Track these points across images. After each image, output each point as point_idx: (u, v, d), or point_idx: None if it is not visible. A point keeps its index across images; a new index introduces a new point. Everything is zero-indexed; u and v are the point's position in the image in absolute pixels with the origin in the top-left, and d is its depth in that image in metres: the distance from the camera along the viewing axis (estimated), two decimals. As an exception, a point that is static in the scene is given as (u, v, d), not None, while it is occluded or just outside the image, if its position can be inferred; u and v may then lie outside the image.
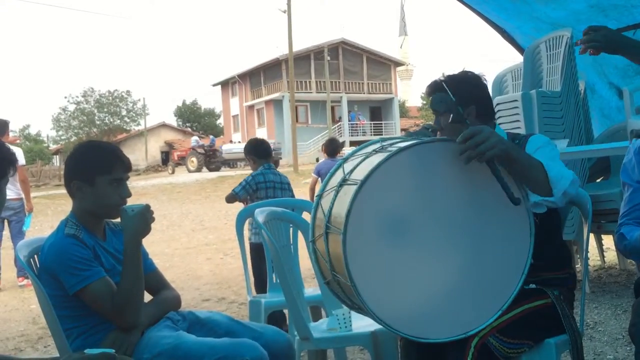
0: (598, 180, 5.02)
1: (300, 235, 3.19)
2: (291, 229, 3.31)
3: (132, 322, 2.00)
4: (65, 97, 62.79)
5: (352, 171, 1.75)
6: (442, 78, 2.01)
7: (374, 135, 34.46)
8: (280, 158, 28.93)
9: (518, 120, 4.31)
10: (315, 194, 1.99)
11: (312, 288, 3.57)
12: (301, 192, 11.61)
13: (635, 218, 1.95)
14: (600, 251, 5.32)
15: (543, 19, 5.28)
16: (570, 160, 4.19)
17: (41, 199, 18.51)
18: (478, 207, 1.74)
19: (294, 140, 26.69)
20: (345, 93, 37.35)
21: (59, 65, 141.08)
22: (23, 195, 6.49)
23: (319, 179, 7.36)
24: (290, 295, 2.40)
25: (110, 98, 45.18)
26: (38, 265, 2.09)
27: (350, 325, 2.38)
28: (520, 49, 5.85)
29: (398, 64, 42.50)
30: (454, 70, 2.06)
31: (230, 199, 4.45)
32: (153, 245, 8.90)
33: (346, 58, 37.94)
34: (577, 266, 4.60)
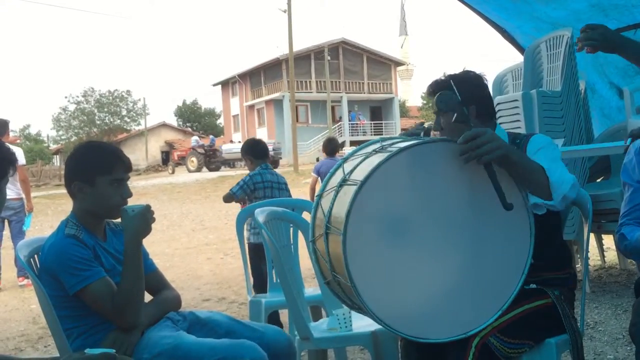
0: (598, 180, 5.02)
1: (300, 235, 3.19)
2: (291, 228, 3.31)
3: (133, 322, 2.00)
4: (66, 97, 62.97)
5: (352, 171, 1.75)
6: (444, 77, 2.01)
7: (375, 135, 34.45)
8: (281, 158, 28.94)
9: (518, 120, 4.30)
10: (316, 193, 1.99)
11: (312, 288, 3.58)
12: (302, 192, 11.61)
13: (635, 218, 1.95)
14: (601, 251, 5.32)
15: (543, 19, 5.28)
16: (571, 160, 4.19)
17: (41, 198, 18.52)
18: (478, 207, 1.74)
19: (294, 140, 26.69)
20: (346, 93, 37.35)
21: (59, 65, 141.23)
22: (23, 195, 6.49)
23: (319, 178, 7.37)
24: (291, 295, 2.40)
25: (111, 98, 45.20)
26: (38, 265, 2.09)
27: (351, 325, 2.38)
28: (521, 49, 5.85)
29: (398, 63, 42.49)
30: (455, 70, 2.06)
31: (228, 198, 4.46)
32: (153, 245, 8.91)
33: (346, 58, 37.94)
34: (577, 266, 4.60)
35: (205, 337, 2.09)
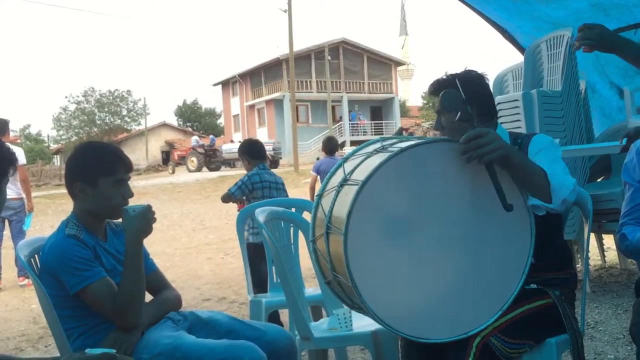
0: (599, 180, 5.02)
1: (300, 234, 3.20)
2: (292, 228, 3.31)
3: (133, 323, 2.00)
4: (66, 97, 62.98)
5: (352, 171, 1.75)
6: (446, 76, 2.01)
7: (375, 134, 34.46)
8: (281, 158, 28.94)
9: (519, 120, 4.30)
10: (316, 193, 1.99)
11: (312, 288, 3.58)
12: (302, 192, 11.61)
13: (636, 218, 1.95)
14: (601, 251, 5.32)
15: (544, 19, 5.28)
16: (571, 160, 4.19)
17: (42, 198, 18.52)
18: (479, 207, 1.74)
19: (295, 140, 26.69)
20: (346, 93, 37.36)
21: (59, 65, 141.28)
22: (24, 195, 6.49)
23: (318, 177, 7.38)
24: (291, 294, 2.40)
25: (111, 98, 45.19)
26: (39, 265, 2.09)
27: (351, 325, 2.38)
28: (521, 49, 5.84)
29: (399, 63, 42.49)
30: (456, 69, 2.06)
31: (226, 198, 4.47)
32: (154, 244, 8.91)
33: (347, 58, 37.94)
34: (577, 266, 4.60)
35: (206, 337, 2.09)
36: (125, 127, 45.82)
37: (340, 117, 36.87)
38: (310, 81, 36.66)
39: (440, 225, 1.72)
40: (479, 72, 2.04)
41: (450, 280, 1.73)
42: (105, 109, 44.93)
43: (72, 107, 44.89)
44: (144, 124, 46.19)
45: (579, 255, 4.66)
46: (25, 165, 6.63)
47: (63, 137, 46.31)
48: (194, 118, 59.32)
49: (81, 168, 2.09)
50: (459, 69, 2.06)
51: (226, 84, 42.78)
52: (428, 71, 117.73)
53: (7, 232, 6.63)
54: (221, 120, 52.54)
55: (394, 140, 1.81)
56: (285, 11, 26.73)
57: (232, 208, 4.77)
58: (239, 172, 23.66)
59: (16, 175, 5.96)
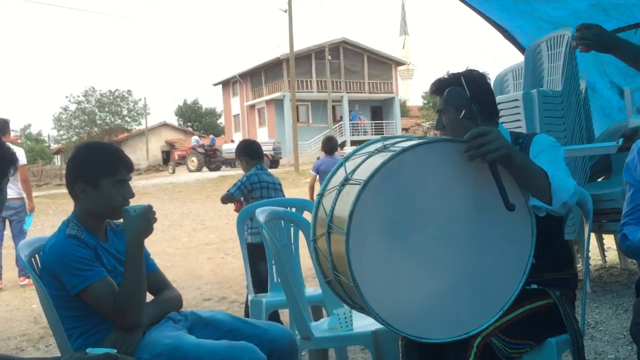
0: (599, 180, 5.02)
1: (301, 234, 3.20)
2: (292, 228, 3.31)
3: (134, 323, 2.01)
4: (67, 97, 63.14)
5: (354, 171, 1.75)
6: (447, 75, 2.02)
7: (375, 134, 34.45)
8: (281, 157, 28.94)
9: (519, 120, 4.30)
10: (316, 192, 1.99)
11: (312, 287, 3.58)
12: (303, 192, 11.61)
13: (637, 218, 1.95)
14: (602, 250, 5.31)
15: (544, 18, 5.27)
16: (572, 160, 4.19)
17: (42, 198, 18.52)
18: (480, 207, 1.74)
19: (295, 140, 26.69)
20: (346, 92, 37.35)
21: (60, 65, 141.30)
22: (24, 195, 6.49)
23: (318, 176, 7.39)
24: (292, 294, 2.41)
25: (112, 97, 45.21)
26: (39, 265, 2.09)
27: (351, 325, 2.38)
28: (521, 48, 5.84)
29: (399, 63, 42.48)
30: (457, 69, 2.06)
31: (226, 199, 4.50)
32: (154, 244, 8.91)
33: (347, 57, 37.93)
34: (578, 265, 4.60)
35: (208, 336, 2.10)
36: (125, 127, 45.84)
37: (341, 117, 36.86)
38: (310, 81, 36.66)
39: (441, 225, 1.72)
40: (481, 71, 2.04)
41: (451, 280, 1.73)
42: (106, 109, 44.95)
43: (73, 107, 44.97)
44: (145, 124, 46.21)
45: (579, 255, 4.66)
46: (26, 166, 6.62)
47: (63, 137, 46.34)
48: (195, 118, 59.34)
49: (82, 169, 2.09)
50: (459, 69, 2.06)
51: (226, 84, 42.78)
52: (428, 71, 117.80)
53: (7, 232, 6.63)
54: (221, 120, 52.54)
55: (396, 140, 1.81)
56: (285, 11, 26.74)
57: (233, 208, 4.79)
58: (239, 172, 23.61)
59: (17, 175, 5.96)
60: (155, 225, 2.07)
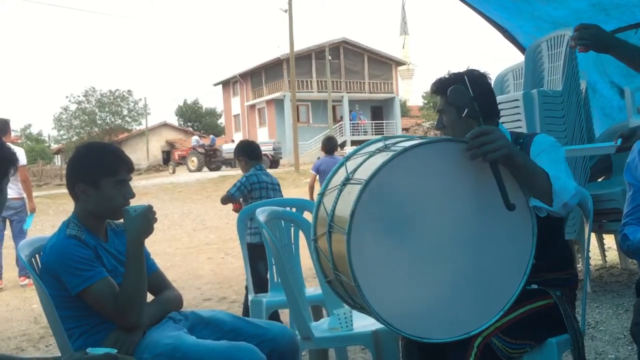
0: (599, 180, 5.01)
1: (301, 234, 3.20)
2: (292, 228, 3.31)
3: (135, 323, 2.01)
4: (67, 97, 63.14)
5: (355, 170, 1.75)
6: (448, 75, 2.02)
7: (376, 134, 34.46)
8: (281, 157, 28.93)
9: (519, 120, 4.30)
10: (317, 191, 1.99)
11: (313, 287, 3.58)
12: (303, 192, 11.61)
13: (638, 218, 1.95)
14: (602, 250, 5.31)
15: (544, 18, 5.27)
16: (572, 160, 4.19)
17: (43, 198, 18.52)
18: (482, 207, 1.74)
19: (295, 140, 26.69)
20: (347, 92, 37.35)
21: (60, 65, 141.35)
22: (24, 195, 6.49)
23: (318, 176, 7.40)
24: (292, 294, 2.41)
25: (112, 97, 45.20)
26: (39, 265, 2.09)
27: (352, 325, 2.38)
28: (522, 48, 5.84)
29: (399, 63, 42.48)
30: (457, 69, 2.06)
31: (226, 200, 4.52)
32: (154, 244, 8.91)
33: (347, 57, 37.93)
34: (578, 265, 4.60)
35: (209, 335, 2.11)
36: (126, 127, 45.83)
37: (341, 117, 36.87)
38: (310, 81, 36.66)
39: (443, 225, 1.72)
40: (482, 71, 2.04)
41: (452, 280, 1.73)
42: (106, 109, 44.93)
43: (73, 107, 44.95)
44: (145, 124, 46.20)
45: (579, 255, 4.66)
46: (26, 166, 6.62)
47: (64, 137, 46.33)
48: (195, 118, 59.33)
49: (83, 169, 2.09)
50: (460, 69, 2.06)
51: (227, 84, 42.78)
52: (429, 71, 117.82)
53: (8, 232, 6.63)
54: (222, 120, 52.54)
55: (397, 140, 1.81)
56: (285, 11, 26.74)
57: (231, 208, 4.80)
58: (240, 172, 23.59)
59: (17, 175, 5.96)
60: (155, 225, 2.07)
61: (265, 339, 2.10)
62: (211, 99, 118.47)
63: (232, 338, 2.10)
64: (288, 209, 3.44)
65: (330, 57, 34.21)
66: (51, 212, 15.91)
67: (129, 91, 46.02)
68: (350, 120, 36.48)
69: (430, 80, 2.07)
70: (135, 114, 46.07)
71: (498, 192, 1.69)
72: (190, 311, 2.27)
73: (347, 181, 1.75)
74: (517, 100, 4.35)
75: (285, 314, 3.88)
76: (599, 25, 2.29)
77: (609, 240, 5.60)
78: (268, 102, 37.48)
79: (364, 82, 38.39)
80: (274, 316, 3.79)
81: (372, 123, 37.59)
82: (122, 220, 2.07)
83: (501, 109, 4.39)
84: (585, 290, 2.19)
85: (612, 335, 3.40)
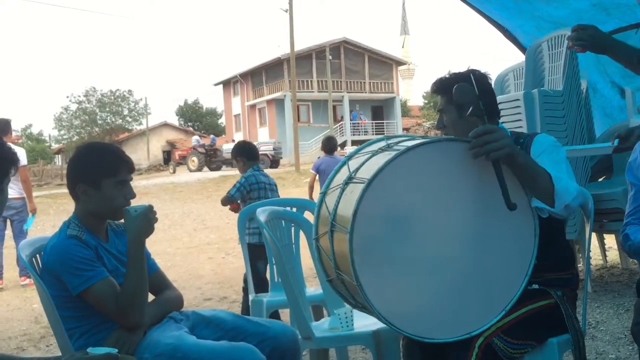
0: (600, 180, 5.01)
1: (302, 234, 3.20)
2: (293, 228, 3.31)
3: (137, 323, 2.01)
4: (67, 97, 63.01)
5: (357, 169, 1.75)
6: (449, 75, 2.02)
7: (376, 134, 34.46)
8: (281, 157, 28.93)
9: (520, 120, 4.30)
10: (317, 191, 1.99)
11: (313, 287, 3.58)
12: (303, 192, 11.60)
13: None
14: (602, 250, 5.31)
15: (545, 18, 5.27)
16: (573, 159, 4.19)
17: (43, 198, 18.53)
18: (484, 207, 1.74)
19: (296, 140, 26.70)
20: (347, 92, 37.35)
21: (61, 65, 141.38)
22: (25, 195, 6.49)
23: (318, 175, 7.42)
24: (292, 294, 2.41)
25: (112, 97, 45.18)
26: (40, 265, 2.09)
27: (352, 325, 2.38)
28: (522, 48, 5.84)
29: (400, 63, 42.49)
30: (457, 68, 2.06)
31: (226, 201, 4.56)
32: (155, 244, 8.92)
33: (348, 57, 37.93)
34: (579, 265, 4.60)
35: (211, 334, 2.11)
36: (126, 126, 45.82)
37: (342, 117, 36.87)
38: (311, 81, 36.66)
39: (445, 224, 1.72)
40: (482, 71, 2.04)
41: (454, 279, 1.73)
42: (107, 109, 44.91)
43: (74, 106, 44.92)
44: (145, 124, 46.18)
45: (580, 255, 4.66)
46: (27, 166, 6.62)
47: (64, 136, 46.33)
48: (195, 118, 59.33)
49: (83, 170, 2.09)
50: (460, 68, 2.06)
51: (227, 84, 42.79)
52: (429, 71, 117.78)
53: (8, 232, 6.63)
54: (222, 120, 52.55)
55: (399, 139, 1.81)
56: (286, 11, 26.74)
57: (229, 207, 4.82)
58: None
59: (18, 175, 5.97)
60: (156, 225, 2.07)
61: (266, 337, 2.11)
62: (212, 99, 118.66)
63: (234, 337, 2.10)
64: (288, 208, 3.45)
65: (330, 57, 34.21)
66: (52, 212, 15.91)
67: (130, 91, 46.04)
68: (350, 120, 36.48)
69: (431, 80, 2.08)
70: (136, 114, 46.06)
71: (500, 191, 1.69)
72: (192, 311, 2.27)
73: (349, 180, 1.75)
74: (517, 100, 4.35)
75: (285, 314, 3.89)
76: (596, 26, 2.29)
77: (610, 240, 5.59)
78: (268, 102, 37.48)
79: (364, 82, 38.39)
80: (274, 316, 3.79)
81: (372, 123, 37.59)
82: (122, 221, 2.07)
83: (502, 109, 4.39)
84: (586, 290, 2.19)
85: (613, 335, 3.40)
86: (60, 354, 2.00)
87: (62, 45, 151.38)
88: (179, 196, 18.98)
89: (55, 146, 54.00)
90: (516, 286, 1.77)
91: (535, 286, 1.95)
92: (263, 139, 33.28)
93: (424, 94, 53.89)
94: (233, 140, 35.53)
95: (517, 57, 6.14)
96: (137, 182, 22.82)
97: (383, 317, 1.67)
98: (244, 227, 3.79)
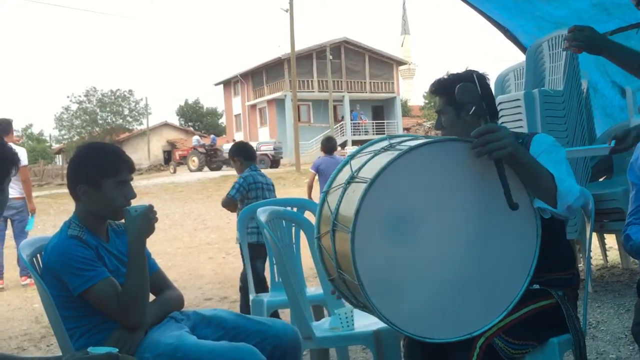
0: (601, 180, 5.01)
1: (302, 234, 3.20)
2: (293, 228, 3.32)
3: (138, 322, 2.01)
4: (68, 97, 63.02)
5: (360, 169, 1.75)
6: (447, 76, 2.02)
7: (377, 134, 34.45)
8: (281, 157, 28.94)
9: (520, 120, 4.30)
10: (314, 190, 1.99)
11: (314, 287, 3.58)
12: (304, 192, 11.60)
13: (641, 217, 1.95)
14: (603, 250, 5.31)
15: (545, 18, 5.27)
16: (573, 160, 4.19)
17: (44, 198, 18.55)
18: (487, 207, 1.74)
19: (296, 140, 26.70)
20: (348, 92, 37.35)
21: (61, 65, 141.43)
22: (25, 195, 6.49)
23: (317, 175, 7.43)
24: (293, 294, 2.41)
25: (113, 97, 45.17)
26: (41, 265, 2.09)
27: (353, 325, 2.38)
28: (523, 48, 5.84)
29: (400, 63, 42.48)
30: (457, 69, 2.06)
31: (228, 202, 4.57)
32: (155, 244, 8.92)
33: (348, 57, 37.93)
34: (579, 265, 4.59)
35: (212, 334, 2.11)
36: (127, 126, 45.80)
37: (342, 117, 36.87)
38: (311, 81, 36.66)
39: (447, 224, 1.72)
40: (480, 72, 2.04)
41: (456, 280, 1.72)
42: (107, 109, 44.90)
43: (74, 106, 44.89)
44: (146, 124, 46.17)
45: (580, 255, 4.66)
46: (27, 166, 6.62)
47: (65, 136, 46.32)
48: (196, 118, 59.33)
49: (84, 170, 2.09)
50: (460, 69, 2.06)
51: (228, 84, 42.79)
52: (430, 71, 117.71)
53: (9, 232, 6.63)
54: (223, 120, 52.55)
55: (402, 139, 1.81)
56: (286, 11, 26.74)
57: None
58: (241, 172, 23.57)
59: (18, 174, 5.96)
60: (156, 225, 2.07)
61: (267, 336, 2.11)
62: (212, 99, 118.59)
63: (235, 335, 2.10)
64: (289, 208, 3.45)
65: (331, 57, 34.21)
66: (52, 211, 15.92)
67: (130, 91, 46.00)
68: (351, 120, 36.48)
69: (432, 80, 2.08)
70: (137, 114, 46.04)
71: (503, 192, 1.69)
72: (192, 311, 2.27)
73: (351, 180, 1.74)
74: (518, 100, 4.35)
75: (286, 314, 3.89)
76: (592, 27, 2.29)
77: (611, 240, 5.59)
78: (269, 101, 37.48)
79: (365, 82, 38.38)
80: (274, 316, 3.80)
81: (373, 123, 37.58)
82: (123, 221, 2.07)
83: (502, 109, 4.43)
84: (587, 290, 2.19)
85: (614, 335, 3.40)
86: (60, 353, 2.00)
87: (62, 45, 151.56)
88: (180, 196, 18.99)
89: (55, 146, 54.00)
90: (518, 287, 1.77)
91: (536, 286, 1.95)
92: (263, 139, 33.28)
93: (425, 94, 53.83)
94: (234, 140, 35.49)
95: (517, 57, 6.15)
96: (138, 182, 22.82)
97: (384, 317, 1.67)
98: (245, 227, 3.80)
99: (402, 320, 1.68)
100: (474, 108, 1.75)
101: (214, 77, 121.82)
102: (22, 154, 6.14)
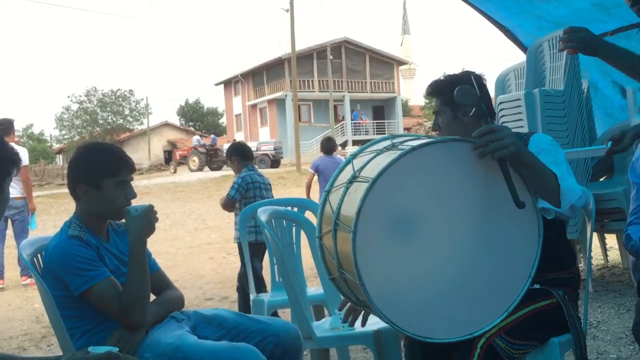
0: (601, 179, 5.01)
1: (302, 234, 3.20)
2: (294, 228, 3.32)
3: (139, 322, 2.01)
4: (69, 97, 63.11)
5: (362, 168, 1.75)
6: (444, 77, 2.02)
7: (377, 134, 34.44)
8: (282, 157, 28.94)
9: (521, 120, 4.30)
10: (313, 190, 1.99)
11: (314, 287, 3.59)
12: (304, 192, 11.60)
13: (642, 217, 1.95)
14: (604, 250, 5.31)
15: (546, 18, 5.27)
16: (574, 160, 4.18)
17: (44, 198, 18.56)
18: (488, 207, 1.74)
19: (297, 139, 26.70)
20: (348, 92, 37.35)
21: (62, 65, 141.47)
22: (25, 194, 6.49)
23: (316, 175, 7.45)
24: (293, 294, 2.41)
25: (113, 97, 45.16)
26: (41, 265, 2.09)
27: (353, 325, 2.38)
28: (523, 48, 5.84)
29: (401, 63, 42.47)
30: (457, 69, 2.06)
31: (228, 203, 4.59)
32: (156, 244, 8.93)
33: (349, 57, 37.93)
34: (580, 265, 4.59)
35: (213, 333, 2.12)
36: (127, 126, 45.79)
37: (343, 117, 36.87)
38: (312, 80, 36.66)
39: (449, 224, 1.72)
40: (477, 73, 2.04)
41: (457, 280, 1.72)
42: (108, 109, 44.89)
43: (75, 106, 44.88)
44: (147, 124, 46.16)
45: (581, 255, 4.66)
46: (28, 166, 6.63)
47: (65, 136, 46.32)
48: (196, 117, 59.32)
49: (84, 170, 2.09)
50: (458, 69, 2.06)
51: (228, 84, 42.80)
52: (430, 70, 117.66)
53: (9, 232, 6.63)
54: (223, 120, 52.56)
55: (404, 139, 1.81)
56: (287, 10, 26.75)
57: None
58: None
59: (19, 174, 5.96)
60: (157, 225, 2.07)
61: (268, 334, 2.11)
62: (213, 99, 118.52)
63: (236, 335, 2.10)
64: (290, 208, 3.45)
65: (331, 57, 34.22)
66: (53, 211, 15.93)
67: (131, 91, 45.97)
68: (351, 120, 36.48)
69: (432, 80, 2.08)
70: (137, 114, 46.03)
71: (505, 192, 1.68)
72: (193, 310, 2.27)
73: (353, 179, 1.74)
74: (518, 99, 4.35)
75: (286, 314, 3.89)
76: (588, 28, 2.30)
77: (611, 239, 5.59)
78: (269, 101, 37.49)
79: (365, 82, 38.39)
80: (273, 316, 3.81)
81: (373, 123, 37.58)
82: (123, 220, 2.07)
83: (503, 109, 4.43)
84: (587, 289, 2.19)
85: (614, 335, 3.40)
86: (61, 353, 2.00)
87: (63, 45, 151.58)
88: (180, 196, 18.99)
89: (56, 146, 54.00)
90: (519, 287, 1.77)
91: (537, 286, 1.95)
92: (264, 139, 33.29)
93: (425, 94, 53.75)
94: (234, 140, 35.55)
95: (518, 57, 6.14)
96: (138, 182, 22.82)
97: (385, 317, 1.66)
98: (246, 226, 3.80)
99: (403, 320, 1.68)
100: (474, 110, 1.75)
101: (214, 76, 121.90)
102: (23, 154, 6.14)
